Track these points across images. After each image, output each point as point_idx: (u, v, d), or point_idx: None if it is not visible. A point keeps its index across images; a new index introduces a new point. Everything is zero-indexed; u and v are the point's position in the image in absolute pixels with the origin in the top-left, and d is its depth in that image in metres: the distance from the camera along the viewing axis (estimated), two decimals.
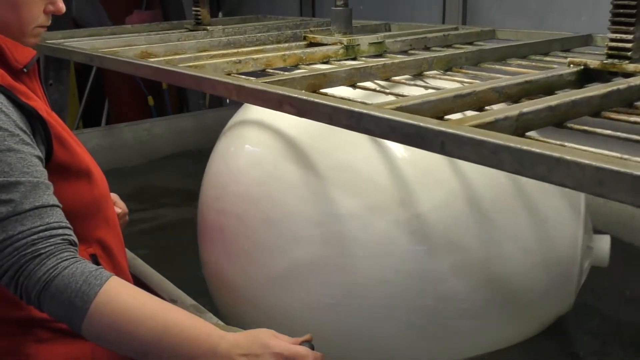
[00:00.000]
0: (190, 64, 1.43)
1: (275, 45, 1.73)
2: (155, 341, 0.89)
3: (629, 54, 1.14)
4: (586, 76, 1.21)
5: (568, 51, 1.73)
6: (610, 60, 1.16)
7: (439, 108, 0.98)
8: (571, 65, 1.22)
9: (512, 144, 0.71)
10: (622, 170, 0.61)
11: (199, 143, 3.27)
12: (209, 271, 1.69)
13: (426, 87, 1.27)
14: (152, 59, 1.50)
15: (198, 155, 2.96)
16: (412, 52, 1.81)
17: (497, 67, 1.50)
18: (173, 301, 1.39)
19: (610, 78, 1.19)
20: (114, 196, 1.32)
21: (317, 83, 1.24)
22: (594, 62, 1.19)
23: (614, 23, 1.14)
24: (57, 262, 0.89)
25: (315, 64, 1.62)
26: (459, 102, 1.01)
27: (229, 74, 1.47)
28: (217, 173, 1.60)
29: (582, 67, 1.20)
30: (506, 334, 1.50)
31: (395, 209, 1.38)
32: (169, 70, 1.35)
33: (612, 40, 1.15)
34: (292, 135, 1.49)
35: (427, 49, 1.86)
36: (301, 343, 0.94)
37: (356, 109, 0.90)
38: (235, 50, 1.64)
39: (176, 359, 0.90)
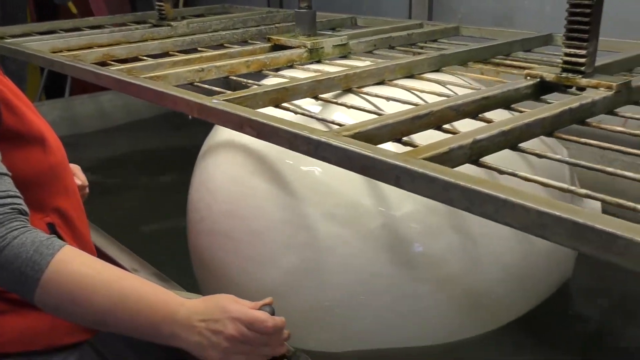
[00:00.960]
0: (152, 74, 1.42)
1: (239, 49, 1.72)
2: (112, 309, 0.87)
3: (583, 68, 1.16)
4: (542, 88, 1.23)
5: (529, 51, 1.76)
6: (565, 74, 1.19)
7: (398, 130, 1.00)
8: (528, 78, 1.24)
9: (462, 183, 0.73)
10: (564, 215, 0.64)
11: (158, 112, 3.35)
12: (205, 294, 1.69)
13: (387, 99, 1.28)
14: (113, 68, 1.48)
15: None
16: (377, 52, 1.82)
17: (460, 72, 1.52)
18: (134, 270, 1.38)
19: (565, 89, 1.22)
20: (75, 167, 1.30)
21: (279, 97, 1.24)
22: (549, 75, 1.21)
23: (568, 38, 1.17)
24: (6, 231, 0.85)
25: (279, 69, 1.62)
26: (417, 123, 1.03)
27: (192, 83, 1.46)
28: (199, 197, 1.59)
29: (538, 79, 1.23)
30: (511, 308, 1.53)
31: (368, 216, 1.39)
32: (131, 83, 1.34)
33: (567, 54, 1.18)
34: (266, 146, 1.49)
35: (391, 48, 1.88)
36: (261, 307, 0.93)
37: (314, 137, 0.92)
38: (198, 56, 1.63)
39: (135, 328, 0.89)
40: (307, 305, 1.42)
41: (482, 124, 1.11)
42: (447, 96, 1.28)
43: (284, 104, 1.25)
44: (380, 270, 1.37)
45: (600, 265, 1.29)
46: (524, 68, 1.48)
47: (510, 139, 0.95)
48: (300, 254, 1.40)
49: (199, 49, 1.97)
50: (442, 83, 1.41)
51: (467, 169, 0.88)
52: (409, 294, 1.37)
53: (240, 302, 0.93)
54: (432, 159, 0.83)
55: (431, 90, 1.32)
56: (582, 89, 1.19)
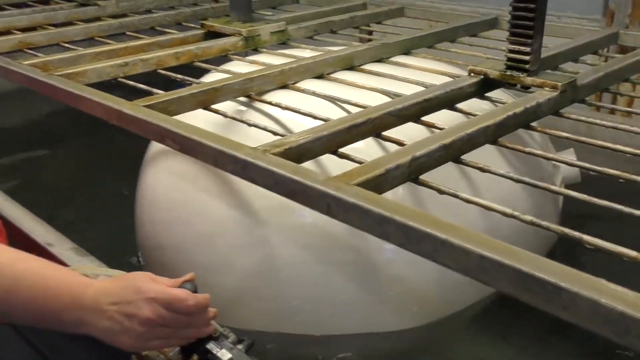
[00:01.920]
0: (71, 70, 1.29)
1: (168, 37, 1.59)
2: (3, 298, 0.77)
3: (527, 66, 1.11)
4: (487, 85, 1.18)
5: (474, 36, 1.70)
6: (509, 72, 1.13)
7: (333, 142, 0.92)
8: (471, 74, 1.18)
9: (397, 218, 0.66)
10: (506, 262, 0.58)
11: None
12: None
13: (326, 98, 1.20)
14: (26, 63, 1.34)
15: None
16: (318, 37, 1.73)
17: (401, 61, 1.44)
18: (48, 245, 1.28)
19: (510, 86, 1.17)
20: None
21: (208, 99, 1.15)
22: (493, 72, 1.15)
23: (512, 34, 1.11)
24: None
25: (212, 59, 1.52)
26: (354, 132, 0.95)
27: (116, 79, 1.35)
28: (142, 211, 1.47)
29: (482, 76, 1.17)
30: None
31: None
32: (44, 82, 1.22)
33: (511, 51, 1.12)
34: None
35: (333, 32, 1.79)
36: (182, 285, 0.83)
37: (241, 156, 0.84)
38: (123, 46, 1.51)
39: (33, 317, 0.79)
40: (267, 306, 1.35)
41: (423, 129, 1.06)
42: (388, 93, 1.21)
43: (214, 106, 1.15)
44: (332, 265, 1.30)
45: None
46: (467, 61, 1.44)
47: (452, 152, 0.88)
48: (255, 253, 1.31)
49: (128, 33, 1.84)
50: (383, 76, 1.34)
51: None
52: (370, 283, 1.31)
53: (158, 279, 0.83)
54: (367, 183, 0.76)
55: (371, 87, 1.25)
56: (526, 87, 1.14)
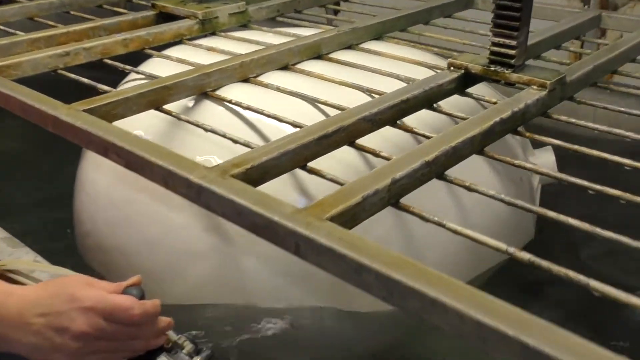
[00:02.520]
0: (2, 61, 1.14)
1: (116, 19, 1.44)
2: None
3: (512, 61, 1.01)
4: (468, 80, 1.08)
5: (449, 17, 1.59)
6: (493, 67, 1.03)
7: (302, 156, 0.82)
8: (451, 68, 1.08)
9: (378, 267, 0.56)
10: (510, 334, 0.49)
11: None
12: None
13: (292, 94, 1.09)
14: None
15: None
16: (281, 19, 1.60)
17: (373, 48, 1.33)
18: None
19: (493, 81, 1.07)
20: None
21: (159, 98, 1.02)
22: (475, 67, 1.05)
23: (496, 25, 1.00)
24: None
25: (165, 46, 1.38)
26: (326, 143, 0.84)
27: (55, 71, 1.20)
28: (81, 207, 1.34)
29: (463, 71, 1.06)
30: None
31: None
32: None
33: (495, 44, 1.02)
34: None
35: (298, 12, 1.66)
36: (125, 290, 0.73)
37: (195, 180, 0.72)
38: (64, 30, 1.35)
39: None
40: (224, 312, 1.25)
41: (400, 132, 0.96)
42: (360, 88, 1.11)
43: (165, 107, 1.03)
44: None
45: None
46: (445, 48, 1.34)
47: (435, 169, 0.79)
48: (210, 259, 1.20)
49: (73, 12, 1.67)
50: (354, 66, 1.22)
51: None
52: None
53: (96, 284, 0.72)
54: (342, 215, 0.66)
55: (342, 81, 1.13)
56: (511, 84, 1.04)
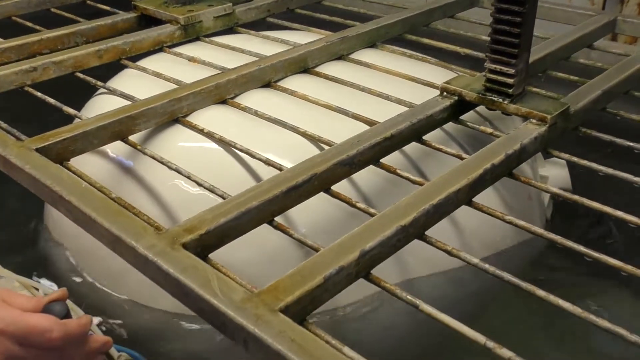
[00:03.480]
0: None
1: (93, 24, 1.35)
2: None
3: (510, 90, 0.91)
4: (462, 107, 0.98)
5: (452, 17, 1.48)
6: (489, 95, 0.94)
7: (268, 211, 0.74)
8: (444, 94, 0.98)
9: None
10: None
11: None
12: None
13: (271, 121, 1.00)
14: None
15: None
16: (271, 19, 1.50)
17: (364, 59, 1.23)
18: None
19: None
20: None
21: (124, 129, 0.94)
22: (469, 94, 0.96)
23: (492, 51, 0.90)
24: None
25: (143, 55, 1.29)
26: (295, 194, 0.76)
27: (22, 88, 1.13)
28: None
29: (457, 97, 0.97)
30: None
31: None
32: None
33: (491, 71, 0.92)
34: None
35: (290, 11, 1.56)
36: (46, 307, 0.64)
37: (141, 250, 0.64)
38: (37, 38, 1.27)
39: None
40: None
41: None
42: (346, 112, 1.02)
43: (131, 138, 0.95)
44: None
45: None
46: (442, 60, 1.24)
47: (414, 231, 0.70)
48: None
49: (53, 10, 1.59)
50: (342, 83, 1.13)
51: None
52: None
53: (11, 300, 0.63)
54: (299, 302, 0.58)
55: (325, 104, 1.04)
56: (508, 114, 0.95)
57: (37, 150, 0.84)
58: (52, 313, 0.63)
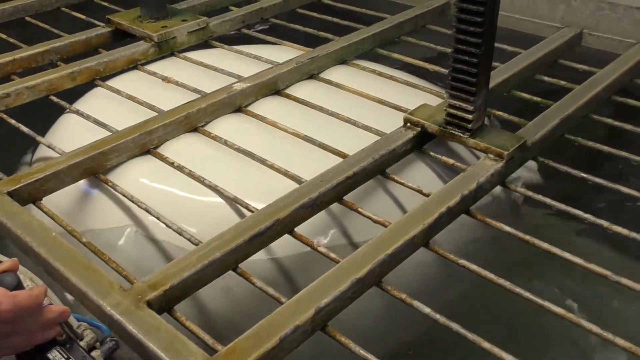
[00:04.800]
0: None
1: (68, 41, 1.35)
2: None
3: (470, 125, 0.94)
4: (424, 138, 1.01)
5: (424, 27, 1.50)
6: (450, 128, 0.97)
7: (232, 258, 0.77)
8: (408, 125, 1.01)
9: None
10: None
11: None
12: None
13: (240, 152, 1.03)
14: None
15: None
16: (246, 30, 1.51)
17: (334, 79, 1.25)
18: None
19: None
20: None
21: (95, 166, 0.97)
22: (432, 127, 0.98)
23: (452, 88, 0.93)
24: None
25: (117, 74, 1.30)
26: (258, 241, 0.79)
27: None
28: None
29: (420, 129, 1.00)
30: None
31: None
32: None
33: (451, 106, 0.95)
34: None
35: (264, 21, 1.57)
36: None
37: (107, 309, 0.68)
38: (10, 58, 1.27)
39: None
40: None
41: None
42: (313, 142, 1.04)
43: (103, 175, 0.97)
44: None
45: None
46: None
47: (370, 281, 0.74)
48: None
49: (27, 19, 1.58)
50: (309, 105, 1.15)
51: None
52: None
53: None
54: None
55: (294, 132, 1.07)
56: (469, 148, 0.98)
57: (8, 193, 0.87)
58: (1, 285, 0.60)
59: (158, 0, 1.41)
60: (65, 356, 0.63)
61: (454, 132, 0.96)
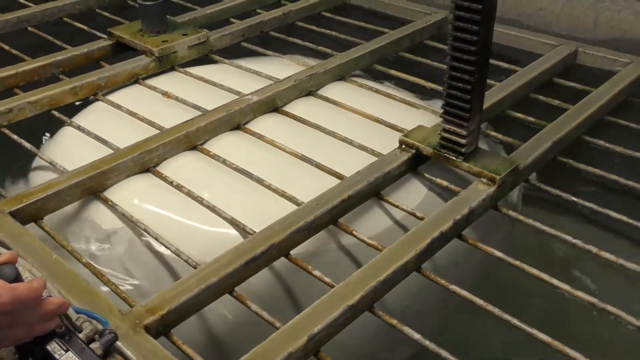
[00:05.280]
0: None
1: (70, 54, 1.37)
2: None
3: (463, 149, 0.96)
4: (419, 159, 1.03)
5: (421, 42, 1.52)
6: (444, 152, 0.99)
7: (228, 283, 0.79)
8: (403, 147, 1.03)
9: None
10: None
11: None
12: None
13: (240, 171, 1.05)
14: None
15: None
16: (246, 44, 1.52)
17: (332, 96, 1.27)
18: None
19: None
20: None
21: (95, 185, 0.99)
22: (426, 149, 1.00)
23: (446, 113, 0.95)
24: None
25: (118, 89, 1.32)
26: (254, 265, 0.82)
27: None
28: None
29: (414, 151, 1.02)
30: None
31: None
32: None
33: (445, 130, 0.97)
34: None
35: (264, 33, 1.58)
36: None
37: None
38: (12, 72, 1.29)
39: None
40: None
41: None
42: (310, 162, 1.06)
43: (104, 194, 0.99)
44: None
45: None
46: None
47: (362, 307, 0.76)
48: None
49: (30, 29, 1.60)
50: (307, 124, 1.17)
51: None
52: None
53: None
54: None
55: (292, 151, 1.08)
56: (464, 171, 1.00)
57: (10, 213, 0.89)
58: (1, 277, 0.60)
59: (159, 15, 1.43)
60: (64, 348, 0.63)
61: (447, 155, 0.98)
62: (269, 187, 1.00)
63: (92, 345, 0.65)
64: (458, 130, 0.95)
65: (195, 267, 0.82)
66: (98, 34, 1.53)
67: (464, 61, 0.88)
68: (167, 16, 1.46)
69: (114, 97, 1.30)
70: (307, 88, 1.27)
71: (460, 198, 0.92)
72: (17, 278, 0.62)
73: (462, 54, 0.88)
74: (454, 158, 0.98)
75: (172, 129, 1.09)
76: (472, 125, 0.95)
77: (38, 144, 1.24)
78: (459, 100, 0.92)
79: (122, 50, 1.45)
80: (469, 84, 0.90)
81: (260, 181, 1.01)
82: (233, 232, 0.94)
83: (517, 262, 0.85)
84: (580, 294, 0.80)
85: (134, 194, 1.01)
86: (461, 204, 0.90)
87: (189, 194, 0.99)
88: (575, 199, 0.98)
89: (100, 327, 0.69)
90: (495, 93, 1.20)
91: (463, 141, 0.96)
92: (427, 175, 1.02)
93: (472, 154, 0.98)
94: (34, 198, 0.92)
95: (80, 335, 0.65)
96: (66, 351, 0.63)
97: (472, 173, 0.97)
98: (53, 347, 0.63)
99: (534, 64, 1.32)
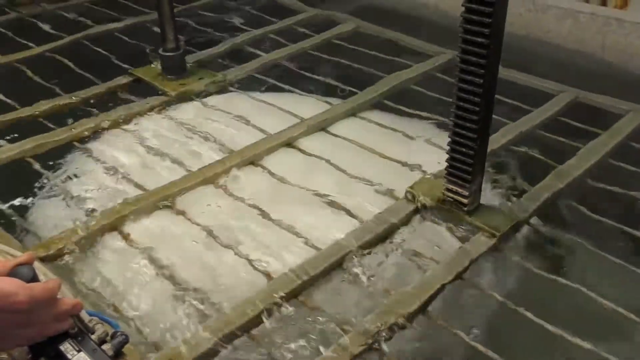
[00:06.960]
0: None
1: (93, 92, 1.43)
2: None
3: (465, 208, 1.02)
4: (424, 210, 1.09)
5: (431, 78, 1.57)
6: (447, 206, 1.05)
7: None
8: (408, 198, 1.09)
9: None
10: None
11: None
12: None
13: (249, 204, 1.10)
14: None
15: None
16: (258, 76, 1.58)
17: (343, 133, 1.32)
18: None
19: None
20: None
21: (116, 224, 1.05)
22: (430, 202, 1.06)
23: (449, 174, 1.01)
24: None
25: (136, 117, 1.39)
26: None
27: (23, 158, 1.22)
28: None
29: (419, 204, 1.08)
30: None
31: None
32: None
33: (449, 190, 1.03)
34: None
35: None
36: (12, 271, 0.63)
37: None
38: (36, 111, 1.38)
39: None
40: None
41: None
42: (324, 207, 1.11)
43: (124, 229, 1.06)
44: None
45: None
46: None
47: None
48: None
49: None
50: (321, 158, 1.24)
51: None
52: None
53: None
54: None
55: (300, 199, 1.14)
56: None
57: (40, 259, 0.94)
58: (18, 277, 0.61)
59: (180, 64, 1.51)
60: (77, 348, 0.64)
61: (451, 208, 1.04)
62: (279, 223, 1.06)
63: (104, 347, 0.66)
64: (461, 190, 1.01)
65: None
66: (116, 78, 1.54)
67: (467, 128, 0.95)
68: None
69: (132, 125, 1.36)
70: (321, 125, 1.35)
71: (461, 251, 0.98)
72: (34, 278, 0.63)
73: (464, 121, 0.95)
74: (457, 211, 1.03)
75: (196, 173, 1.18)
76: (474, 187, 1.01)
77: None
78: (462, 163, 0.98)
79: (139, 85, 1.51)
80: (472, 149, 0.96)
81: (265, 223, 1.07)
82: (249, 269, 0.99)
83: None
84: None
85: (154, 231, 1.07)
86: (463, 256, 0.97)
87: (210, 233, 1.05)
88: (578, 239, 1.04)
89: (111, 329, 0.70)
90: (497, 139, 1.26)
91: (465, 201, 1.02)
92: (433, 219, 1.07)
93: (475, 210, 1.04)
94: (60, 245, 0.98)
95: (93, 337, 0.66)
96: (78, 351, 0.64)
97: (473, 226, 1.02)
98: (66, 347, 0.65)
99: (532, 115, 1.36)
